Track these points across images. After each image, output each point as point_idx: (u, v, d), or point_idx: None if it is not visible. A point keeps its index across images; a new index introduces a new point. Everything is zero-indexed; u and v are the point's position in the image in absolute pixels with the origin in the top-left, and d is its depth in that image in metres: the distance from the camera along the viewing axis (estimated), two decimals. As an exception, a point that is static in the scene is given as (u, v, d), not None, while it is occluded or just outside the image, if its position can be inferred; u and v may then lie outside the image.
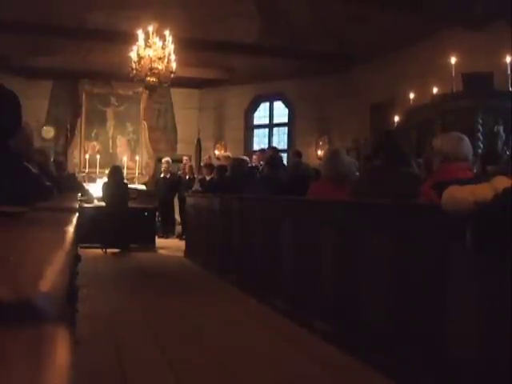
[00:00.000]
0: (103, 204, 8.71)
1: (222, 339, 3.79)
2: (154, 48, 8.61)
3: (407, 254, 3.01)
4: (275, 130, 12.70)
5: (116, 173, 8.89)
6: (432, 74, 7.82)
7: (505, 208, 2.13)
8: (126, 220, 8.53)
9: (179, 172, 11.21)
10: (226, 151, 12.01)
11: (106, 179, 9.04)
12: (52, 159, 6.41)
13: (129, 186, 9.32)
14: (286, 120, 12.41)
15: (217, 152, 12.48)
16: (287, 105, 12.29)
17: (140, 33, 8.60)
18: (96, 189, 9.14)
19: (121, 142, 12.48)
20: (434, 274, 2.77)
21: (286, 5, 8.93)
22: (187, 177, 10.94)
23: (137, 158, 12.22)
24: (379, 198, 3.54)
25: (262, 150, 9.69)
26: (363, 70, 10.25)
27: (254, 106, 12.74)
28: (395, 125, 8.11)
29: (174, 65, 8.72)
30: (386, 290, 3.18)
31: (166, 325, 4.15)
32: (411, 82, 8.28)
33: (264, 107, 12.73)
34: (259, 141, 12.79)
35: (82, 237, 5.51)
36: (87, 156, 11.96)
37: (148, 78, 8.74)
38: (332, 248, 3.85)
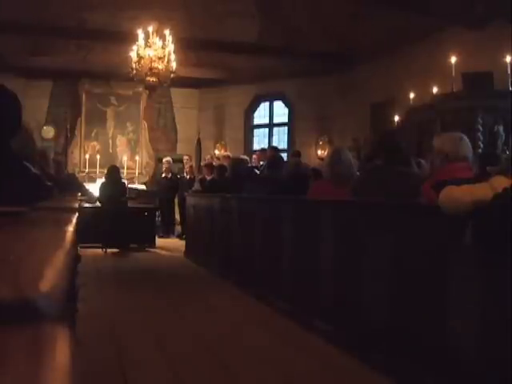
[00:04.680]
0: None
1: (221, 339, 3.79)
2: (154, 48, 8.61)
3: (407, 253, 3.01)
4: (275, 129, 12.70)
5: (113, 172, 8.90)
6: (432, 74, 7.81)
7: (505, 207, 2.13)
8: (124, 219, 8.53)
9: (185, 171, 11.16)
10: (226, 151, 12.01)
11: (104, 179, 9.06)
12: (52, 159, 6.40)
13: (129, 185, 9.31)
14: (286, 120, 12.41)
15: (217, 152, 12.48)
16: (287, 105, 12.29)
17: (140, 32, 8.59)
18: (96, 189, 9.14)
19: (121, 142, 12.48)
20: (434, 274, 2.77)
21: (286, 4, 8.92)
22: (187, 176, 10.93)
23: (137, 157, 12.23)
24: (379, 197, 3.55)
25: (262, 150, 9.68)
26: (363, 70, 10.24)
27: (254, 106, 12.74)
28: (395, 125, 8.11)
29: (173, 65, 8.71)
30: (386, 290, 3.18)
31: (165, 324, 4.15)
32: (411, 81, 8.28)
33: (264, 107, 12.74)
34: (259, 141, 12.79)
35: (81, 237, 5.51)
36: (87, 156, 11.97)
37: (148, 78, 8.74)
38: (332, 248, 3.85)
